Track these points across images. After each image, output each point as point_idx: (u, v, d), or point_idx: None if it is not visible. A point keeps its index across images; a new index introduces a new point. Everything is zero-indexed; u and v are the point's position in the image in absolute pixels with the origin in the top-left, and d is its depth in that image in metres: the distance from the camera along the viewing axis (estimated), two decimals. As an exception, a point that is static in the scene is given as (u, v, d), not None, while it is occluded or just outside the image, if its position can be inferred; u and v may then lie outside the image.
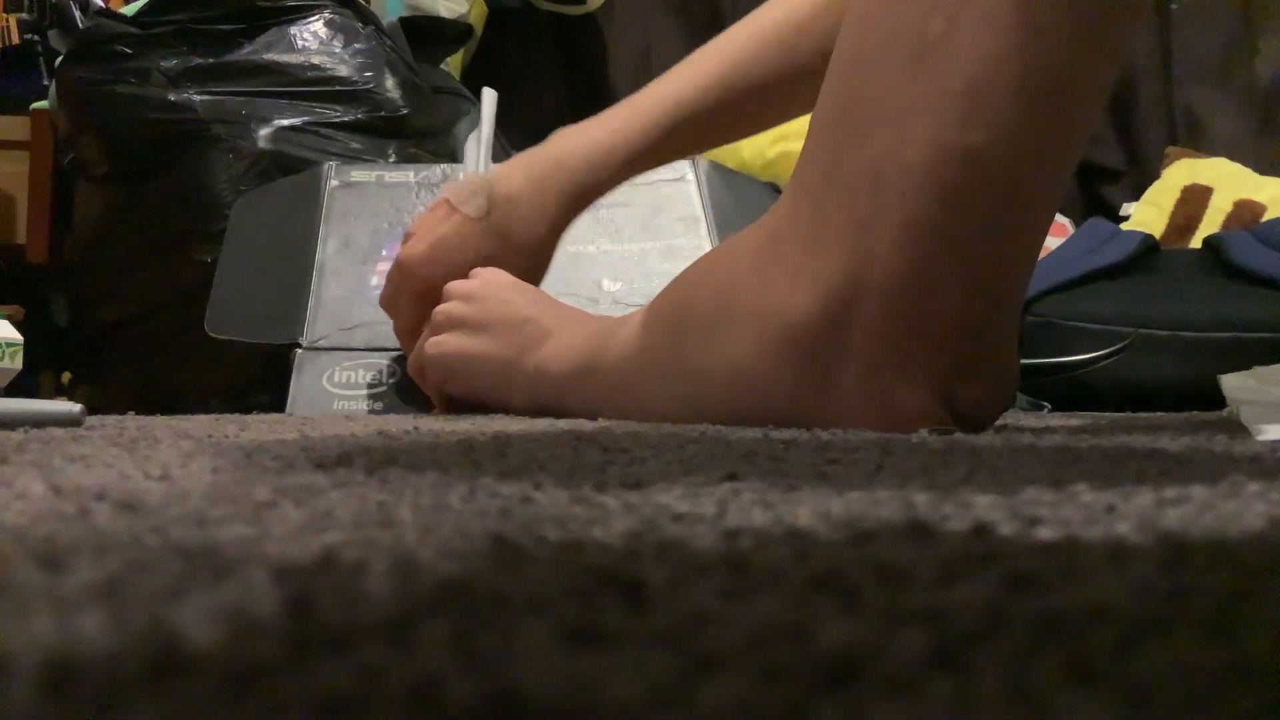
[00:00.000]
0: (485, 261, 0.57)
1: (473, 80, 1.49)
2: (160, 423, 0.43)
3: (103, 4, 1.14)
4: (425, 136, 1.03)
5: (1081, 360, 0.66)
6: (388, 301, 0.62)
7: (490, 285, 0.55)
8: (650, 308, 0.44)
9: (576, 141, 0.58)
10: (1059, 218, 1.50)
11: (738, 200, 0.81)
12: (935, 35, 0.32)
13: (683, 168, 0.80)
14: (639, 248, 0.75)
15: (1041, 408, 0.69)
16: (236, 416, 0.52)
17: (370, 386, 0.65)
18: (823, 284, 0.34)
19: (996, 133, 0.32)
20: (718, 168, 0.83)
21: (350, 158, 0.95)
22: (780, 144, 1.35)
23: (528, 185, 0.58)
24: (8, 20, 1.49)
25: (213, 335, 0.70)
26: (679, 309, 0.41)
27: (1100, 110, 0.37)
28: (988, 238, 0.34)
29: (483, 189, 0.58)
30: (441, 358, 0.55)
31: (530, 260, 0.59)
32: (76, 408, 0.39)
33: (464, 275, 0.57)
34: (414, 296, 0.59)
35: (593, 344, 0.47)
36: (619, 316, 0.50)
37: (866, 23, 0.35)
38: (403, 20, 1.14)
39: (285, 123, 0.96)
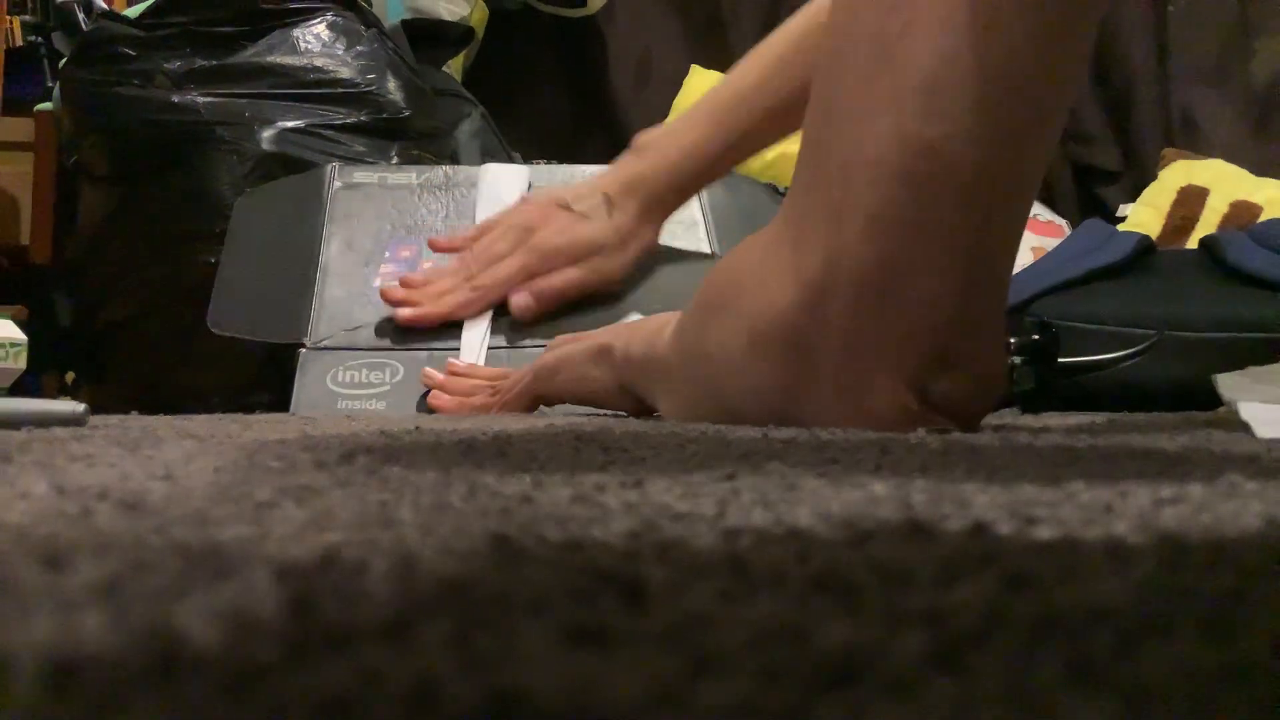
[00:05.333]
0: (594, 250, 0.69)
1: (474, 83, 1.49)
2: (163, 422, 0.43)
3: (106, 6, 1.14)
4: (427, 138, 1.03)
5: (1111, 359, 0.66)
6: (480, 247, 0.71)
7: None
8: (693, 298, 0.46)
9: (664, 155, 0.70)
10: (1056, 219, 1.50)
11: (736, 203, 0.81)
12: (894, 35, 0.34)
13: None
14: None
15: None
16: (239, 416, 0.52)
17: (375, 386, 0.65)
18: (803, 277, 0.36)
19: (954, 125, 0.33)
20: None
21: (352, 159, 0.95)
22: (780, 145, 1.35)
23: (634, 194, 0.70)
24: (11, 22, 1.49)
25: (215, 331, 0.70)
26: (703, 295, 0.42)
27: (1068, 104, 0.38)
28: (955, 228, 0.35)
29: (599, 197, 0.70)
30: (555, 356, 0.57)
31: (638, 256, 0.71)
32: (80, 407, 0.39)
33: (576, 256, 0.69)
34: (522, 265, 0.69)
35: (654, 332, 0.49)
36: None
37: (837, 25, 0.36)
38: (404, 23, 1.14)
39: (288, 124, 0.97)
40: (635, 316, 0.67)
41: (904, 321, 0.35)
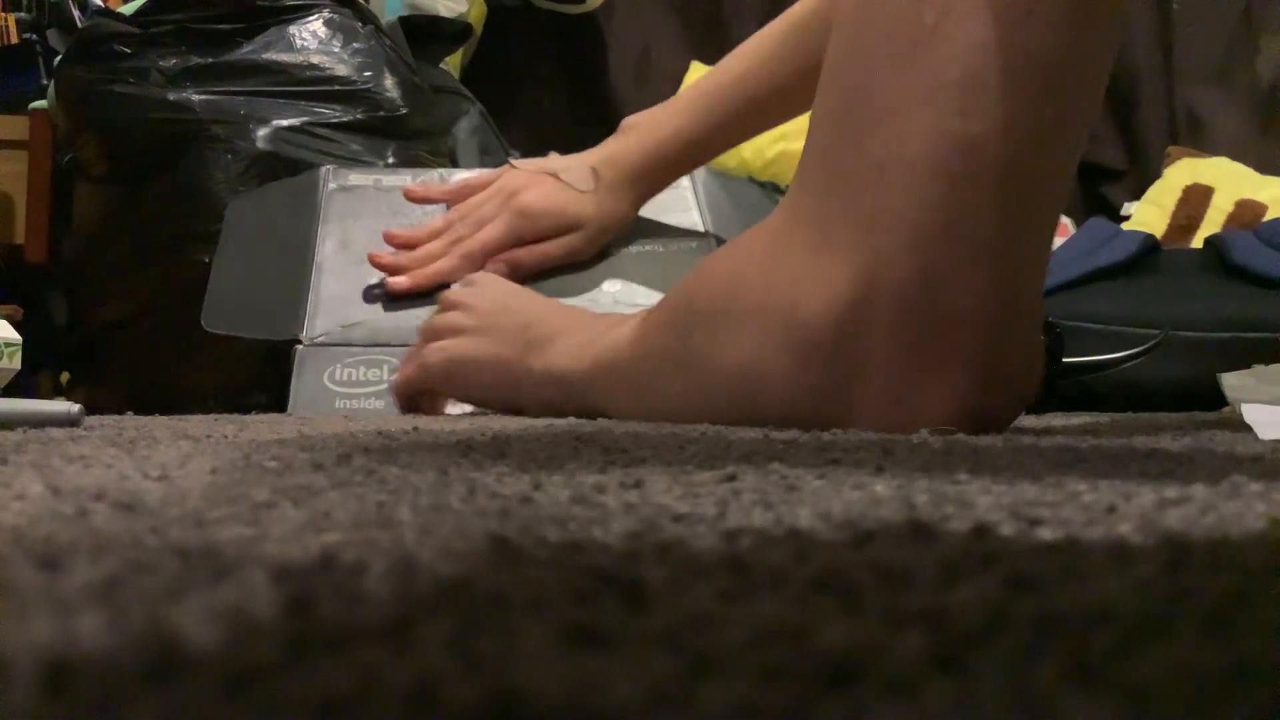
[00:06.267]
0: (576, 221, 0.70)
1: (472, 80, 1.49)
2: (159, 423, 0.43)
3: (101, 3, 1.14)
4: (424, 136, 1.02)
5: (1115, 359, 0.66)
6: (467, 208, 0.71)
7: (487, 293, 0.57)
8: (660, 303, 0.44)
9: (648, 139, 0.71)
10: (1060, 217, 1.50)
11: (735, 203, 0.81)
12: (928, 26, 0.32)
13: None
14: (638, 250, 0.75)
15: None
16: (235, 416, 0.52)
17: (372, 384, 0.65)
18: (831, 287, 0.34)
19: (996, 119, 0.32)
20: (714, 174, 0.84)
21: (349, 158, 0.95)
22: (780, 143, 1.35)
23: (617, 171, 0.71)
24: (6, 19, 1.49)
25: (209, 330, 0.70)
26: (687, 303, 0.41)
27: (1100, 95, 0.36)
28: (997, 230, 0.33)
29: (587, 169, 0.71)
30: (445, 360, 0.55)
31: (613, 232, 0.72)
32: (75, 408, 0.39)
33: (561, 230, 0.70)
34: (509, 227, 0.69)
35: (607, 341, 0.47)
36: (628, 314, 0.50)
37: (860, 19, 0.35)
38: (402, 19, 1.14)
39: (284, 123, 0.96)
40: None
41: (952, 333, 0.33)
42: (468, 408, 0.58)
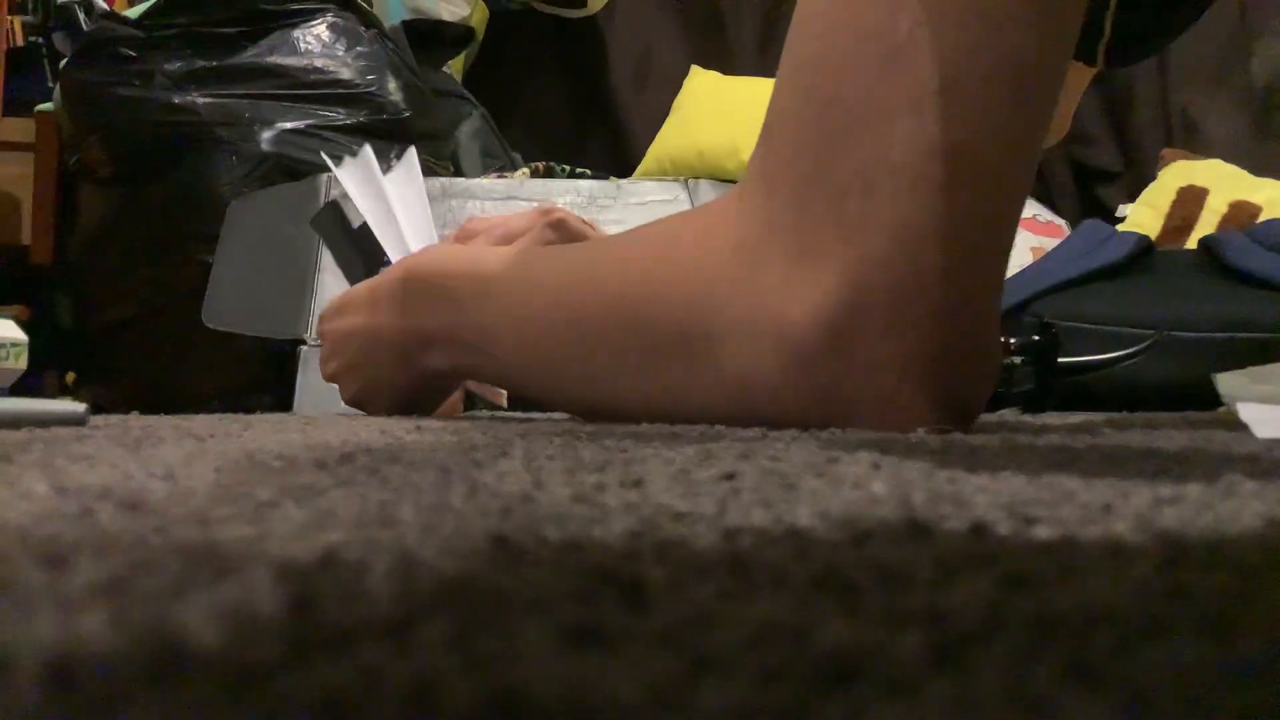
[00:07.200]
0: None
1: (474, 83, 1.49)
2: (164, 422, 0.43)
3: (107, 7, 1.14)
4: (427, 139, 1.03)
5: (1110, 359, 0.66)
6: (485, 223, 0.62)
7: (342, 347, 0.54)
8: (596, 323, 0.41)
9: None
10: (1055, 219, 1.50)
11: None
12: (903, 35, 0.33)
13: (675, 189, 0.80)
14: None
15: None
16: (239, 416, 0.52)
17: None
18: (820, 293, 0.34)
19: (976, 125, 0.33)
20: (715, 187, 0.84)
21: (352, 160, 0.95)
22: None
23: None
24: (12, 22, 1.49)
25: (210, 326, 0.70)
26: (642, 329, 0.39)
27: (1058, 94, 0.37)
28: (975, 230, 0.34)
29: None
30: (365, 405, 0.54)
31: None
32: (80, 407, 0.39)
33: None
34: (542, 239, 0.59)
35: (514, 364, 0.45)
36: (473, 277, 0.46)
37: (830, 27, 0.35)
38: (405, 24, 1.14)
39: (287, 125, 0.97)
40: None
41: (929, 329, 0.34)
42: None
